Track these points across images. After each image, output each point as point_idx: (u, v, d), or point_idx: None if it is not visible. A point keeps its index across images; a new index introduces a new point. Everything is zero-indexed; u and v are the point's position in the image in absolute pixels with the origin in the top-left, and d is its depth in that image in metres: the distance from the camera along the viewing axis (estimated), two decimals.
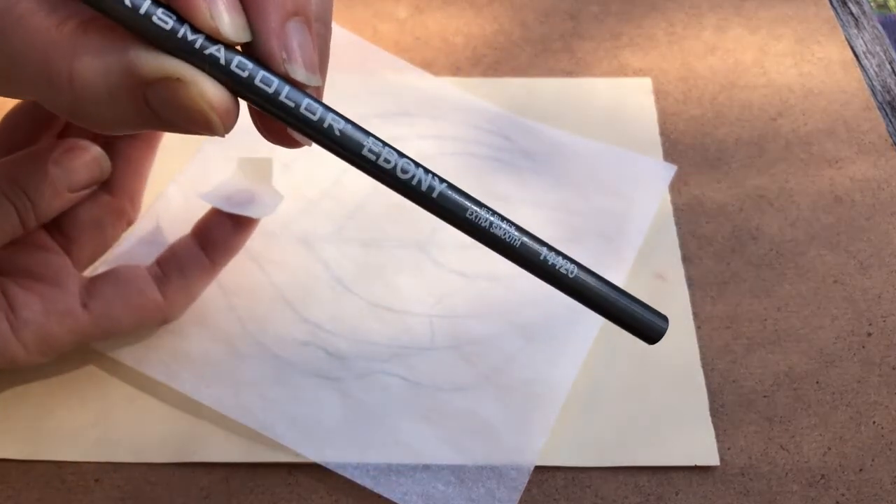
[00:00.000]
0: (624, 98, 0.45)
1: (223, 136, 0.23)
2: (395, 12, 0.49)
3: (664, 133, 0.43)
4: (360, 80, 0.44)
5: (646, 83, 0.45)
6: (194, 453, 0.33)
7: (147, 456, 0.33)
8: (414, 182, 0.23)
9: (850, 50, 0.47)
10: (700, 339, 0.36)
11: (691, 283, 0.38)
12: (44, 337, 0.30)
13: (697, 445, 0.33)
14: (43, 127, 0.33)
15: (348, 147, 0.23)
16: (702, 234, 0.40)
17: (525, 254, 0.24)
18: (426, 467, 0.32)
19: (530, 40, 0.48)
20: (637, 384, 0.35)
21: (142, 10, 0.21)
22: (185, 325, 0.35)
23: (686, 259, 0.39)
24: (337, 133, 0.23)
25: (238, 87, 0.22)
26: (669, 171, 0.42)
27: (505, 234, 0.24)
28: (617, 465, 0.33)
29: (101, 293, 0.32)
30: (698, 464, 0.33)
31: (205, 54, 0.21)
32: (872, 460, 0.33)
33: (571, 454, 0.33)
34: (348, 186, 0.40)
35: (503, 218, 0.24)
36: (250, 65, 0.22)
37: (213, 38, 0.21)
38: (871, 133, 0.43)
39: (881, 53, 0.48)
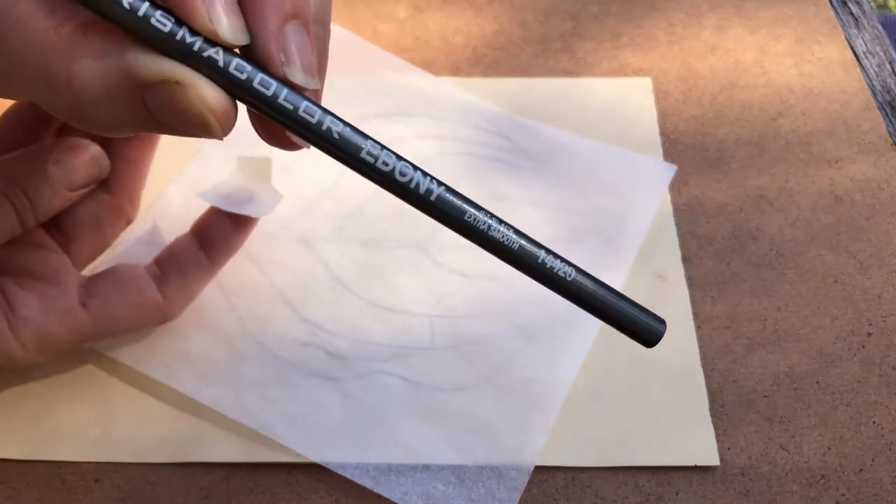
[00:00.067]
0: (624, 98, 0.45)
1: (221, 139, 0.23)
2: (395, 12, 0.49)
3: (664, 133, 0.43)
4: (360, 80, 0.44)
5: (646, 83, 0.45)
6: (194, 453, 0.33)
7: (147, 456, 0.33)
8: (412, 185, 0.23)
9: (850, 50, 0.47)
10: (700, 339, 0.36)
11: (691, 283, 0.38)
12: (43, 336, 0.30)
13: (697, 445, 0.33)
14: (41, 126, 0.33)
15: (346, 150, 0.23)
16: (702, 234, 0.40)
17: (523, 257, 0.24)
18: (426, 467, 0.32)
19: (530, 40, 0.48)
20: (637, 384, 0.35)
21: (140, 13, 0.21)
22: (185, 325, 0.35)
23: (686, 259, 0.39)
24: (335, 136, 0.23)
25: (236, 89, 0.22)
26: (669, 171, 0.42)
27: (503, 237, 0.24)
28: (617, 465, 0.33)
29: (101, 292, 0.32)
30: (698, 464, 0.33)
31: (203, 57, 0.21)
32: (872, 460, 0.33)
33: (571, 454, 0.33)
34: (348, 187, 0.40)
35: (501, 221, 0.24)
36: (249, 67, 0.22)
37: (212, 41, 0.21)
38: (871, 133, 0.43)
39: (881, 53, 0.48)
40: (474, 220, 0.24)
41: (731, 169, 0.42)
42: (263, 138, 0.25)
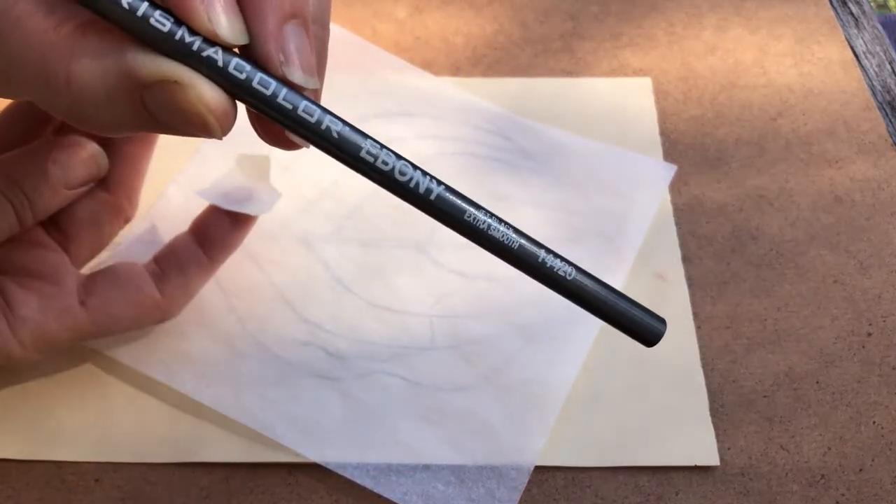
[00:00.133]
0: (624, 98, 0.45)
1: (220, 138, 0.23)
2: (394, 12, 0.49)
3: (664, 133, 0.43)
4: (360, 80, 0.44)
5: (646, 83, 0.45)
6: (194, 453, 0.33)
7: (147, 456, 0.33)
8: (412, 184, 0.23)
9: (850, 50, 0.47)
10: (700, 339, 0.36)
11: (691, 283, 0.38)
12: (41, 335, 0.30)
13: (697, 445, 0.33)
14: (40, 125, 0.33)
15: (346, 149, 0.23)
16: (702, 234, 0.40)
17: (523, 256, 0.24)
18: (426, 467, 0.32)
19: (530, 40, 0.48)
20: (637, 384, 0.35)
21: (139, 13, 0.21)
22: (185, 325, 0.35)
23: (686, 259, 0.39)
24: (334, 135, 0.23)
25: (235, 89, 0.22)
26: (669, 171, 0.41)
27: (503, 236, 0.24)
28: (617, 465, 0.33)
29: (100, 290, 0.32)
30: (698, 464, 0.33)
31: (202, 56, 0.21)
32: (872, 460, 0.33)
33: (571, 454, 0.33)
34: (348, 186, 0.40)
35: (501, 220, 0.24)
36: (248, 67, 0.22)
37: (211, 41, 0.21)
38: (871, 133, 0.43)
39: (881, 53, 0.48)
40: (474, 219, 0.24)
41: (731, 169, 0.42)
42: (263, 138, 0.25)
